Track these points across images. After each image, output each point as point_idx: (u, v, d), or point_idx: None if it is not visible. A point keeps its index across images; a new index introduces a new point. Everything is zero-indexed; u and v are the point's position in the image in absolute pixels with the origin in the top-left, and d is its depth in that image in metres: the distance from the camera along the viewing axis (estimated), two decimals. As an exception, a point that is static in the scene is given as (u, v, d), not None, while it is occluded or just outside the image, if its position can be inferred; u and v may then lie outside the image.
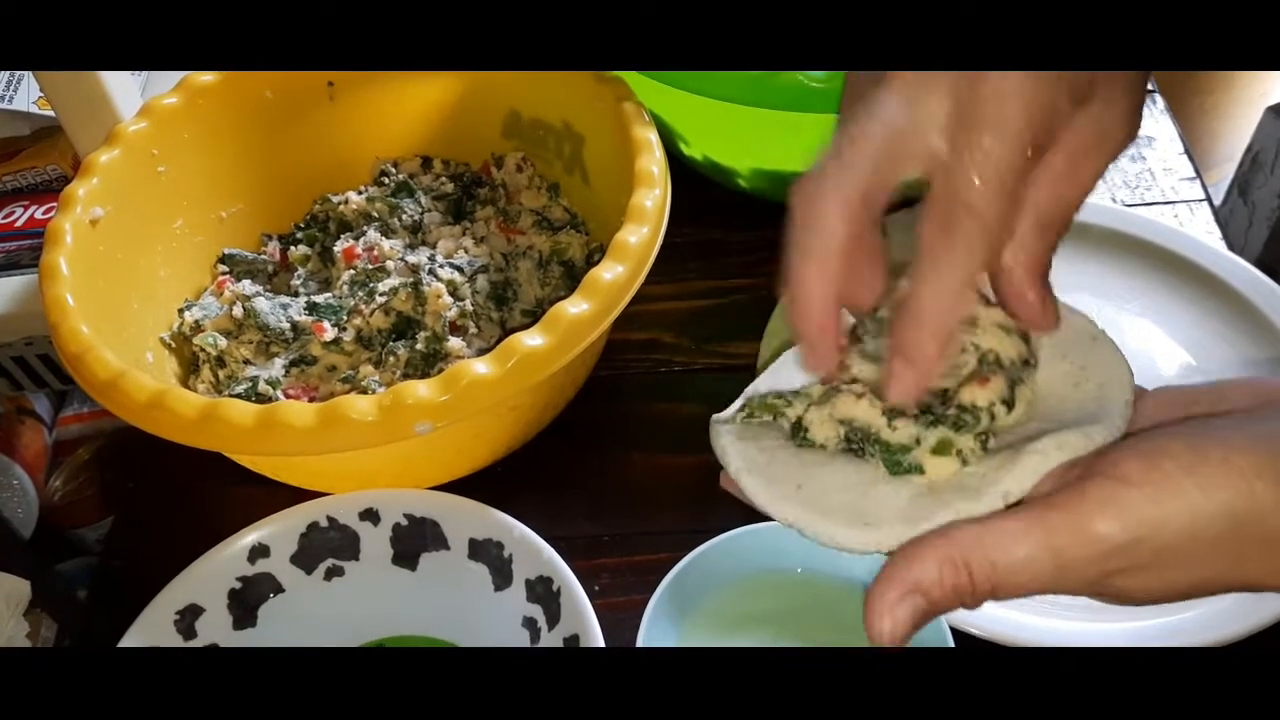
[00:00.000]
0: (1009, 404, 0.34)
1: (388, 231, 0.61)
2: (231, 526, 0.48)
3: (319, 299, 0.58)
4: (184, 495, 0.61)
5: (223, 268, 0.63)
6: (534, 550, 0.46)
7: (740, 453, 0.35)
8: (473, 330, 0.57)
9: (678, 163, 0.63)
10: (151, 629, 0.46)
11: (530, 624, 0.47)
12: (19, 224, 0.73)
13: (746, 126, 0.61)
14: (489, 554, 0.48)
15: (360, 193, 0.64)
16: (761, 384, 0.37)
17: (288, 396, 0.56)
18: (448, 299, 0.56)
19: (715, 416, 0.37)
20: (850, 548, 0.32)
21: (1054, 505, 0.30)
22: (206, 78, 0.61)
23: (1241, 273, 0.63)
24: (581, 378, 0.58)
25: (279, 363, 0.57)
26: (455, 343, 0.55)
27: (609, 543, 0.56)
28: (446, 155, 0.67)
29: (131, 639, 0.45)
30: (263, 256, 0.64)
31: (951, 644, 0.43)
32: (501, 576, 0.48)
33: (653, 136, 0.55)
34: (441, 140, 0.67)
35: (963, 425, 0.33)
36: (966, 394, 0.33)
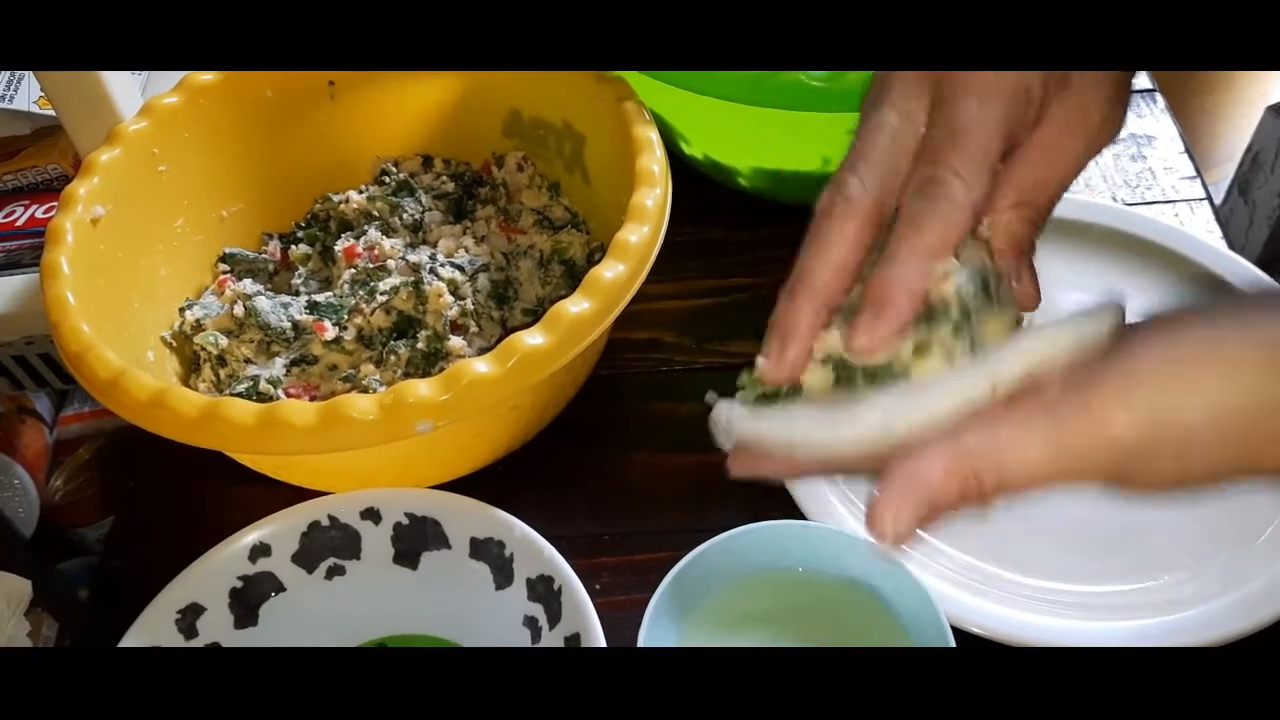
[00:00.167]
0: (983, 294, 0.34)
1: (388, 230, 0.61)
2: (232, 526, 0.48)
3: (320, 298, 0.58)
4: (185, 494, 0.61)
5: (223, 267, 0.63)
6: (535, 549, 0.46)
7: (745, 415, 0.35)
8: (473, 329, 0.57)
9: (678, 162, 0.63)
10: (152, 628, 0.46)
11: (531, 623, 0.47)
12: (19, 223, 0.73)
13: (747, 126, 0.61)
14: (490, 553, 0.48)
15: (361, 192, 0.64)
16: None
17: (289, 395, 0.56)
18: (448, 298, 0.56)
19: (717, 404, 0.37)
20: (838, 441, 0.33)
21: (1064, 398, 0.30)
22: (207, 77, 0.61)
23: (1242, 272, 0.63)
24: (582, 377, 0.58)
25: (280, 362, 0.57)
26: (456, 342, 0.55)
27: (609, 542, 0.56)
28: (447, 154, 0.67)
29: (132, 638, 0.45)
30: (263, 255, 0.64)
31: (952, 644, 0.43)
32: (503, 575, 0.48)
33: (653, 136, 0.55)
34: (442, 139, 0.67)
35: (934, 318, 0.33)
36: (934, 292, 0.34)
